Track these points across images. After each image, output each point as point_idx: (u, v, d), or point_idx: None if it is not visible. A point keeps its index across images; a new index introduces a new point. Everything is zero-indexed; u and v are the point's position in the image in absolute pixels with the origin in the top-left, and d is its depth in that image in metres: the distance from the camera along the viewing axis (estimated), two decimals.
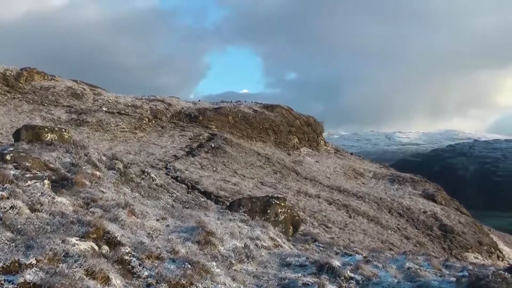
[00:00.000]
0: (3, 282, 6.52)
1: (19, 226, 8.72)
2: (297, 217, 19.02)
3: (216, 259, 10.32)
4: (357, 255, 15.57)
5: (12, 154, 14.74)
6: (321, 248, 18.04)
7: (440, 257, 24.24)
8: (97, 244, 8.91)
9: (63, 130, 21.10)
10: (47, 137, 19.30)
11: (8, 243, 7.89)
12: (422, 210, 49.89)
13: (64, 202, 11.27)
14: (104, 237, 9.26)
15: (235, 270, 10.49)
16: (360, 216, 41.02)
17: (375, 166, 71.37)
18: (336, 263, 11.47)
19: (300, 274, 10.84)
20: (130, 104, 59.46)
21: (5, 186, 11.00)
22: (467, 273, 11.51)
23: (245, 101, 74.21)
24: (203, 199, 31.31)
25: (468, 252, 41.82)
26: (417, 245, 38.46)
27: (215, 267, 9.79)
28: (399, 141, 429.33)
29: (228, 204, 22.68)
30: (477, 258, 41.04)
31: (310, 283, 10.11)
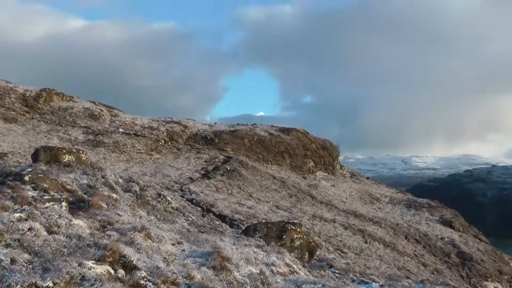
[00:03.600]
0: None
1: (36, 248, 8.80)
2: (313, 243, 18.91)
3: (231, 285, 10.27)
4: (373, 283, 15.43)
5: (30, 175, 14.92)
6: (337, 275, 17.90)
7: (459, 286, 23.92)
8: (113, 268, 8.91)
9: (81, 151, 21.42)
10: (64, 159, 19.55)
11: (25, 265, 7.98)
12: (440, 236, 49.25)
13: (81, 224, 11.34)
14: (120, 261, 9.26)
15: None
16: (376, 242, 40.61)
17: (391, 191, 70.72)
18: None
19: None
20: (146, 126, 59.76)
21: (23, 207, 11.15)
22: None
23: (261, 124, 74.51)
24: (218, 223, 31.18)
25: (487, 281, 41.02)
26: (435, 272, 37.95)
27: None
28: (415, 166, 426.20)
29: (243, 228, 22.84)
30: None
31: None
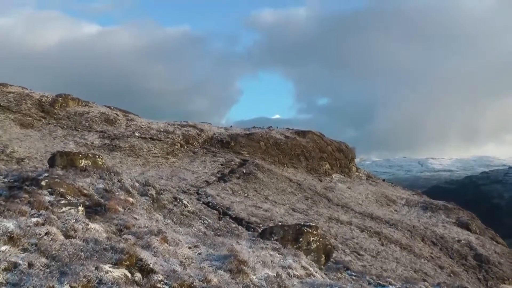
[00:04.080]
0: None
1: (53, 252, 8.85)
2: (329, 246, 18.81)
3: None
4: (390, 285, 15.32)
5: (47, 180, 14.98)
6: (354, 277, 17.80)
7: None
8: (130, 272, 8.94)
9: (97, 156, 21.45)
10: (81, 163, 19.64)
11: (43, 269, 8.02)
12: (456, 239, 48.90)
13: (97, 228, 11.38)
14: (137, 265, 9.29)
15: None
16: (393, 244, 40.47)
17: (407, 193, 70.42)
18: None
19: None
20: (162, 130, 60.11)
21: (40, 212, 11.23)
22: None
23: (277, 127, 74.62)
24: (234, 225, 31.25)
25: (505, 283, 40.52)
26: (451, 275, 37.71)
27: None
28: (431, 168, 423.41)
29: (259, 231, 22.81)
30: None
31: None
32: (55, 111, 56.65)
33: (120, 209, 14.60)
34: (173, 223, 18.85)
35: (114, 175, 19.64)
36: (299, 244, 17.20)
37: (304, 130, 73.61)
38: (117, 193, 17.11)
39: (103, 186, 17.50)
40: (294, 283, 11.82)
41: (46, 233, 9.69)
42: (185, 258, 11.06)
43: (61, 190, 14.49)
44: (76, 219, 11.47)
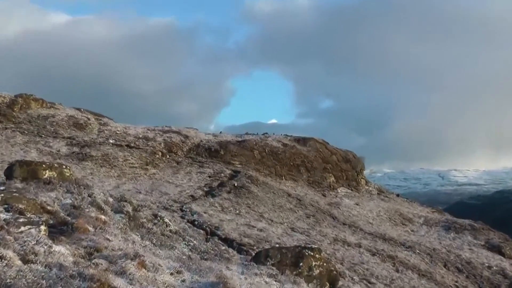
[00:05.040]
0: None
1: (8, 281, 8.70)
2: (334, 272, 18.79)
3: None
4: None
5: (3, 195, 14.85)
6: None
7: None
8: None
9: (64, 166, 21.51)
10: (44, 175, 19.58)
11: None
12: (486, 264, 48.36)
13: (62, 251, 11.29)
14: None
15: None
16: (409, 270, 40.12)
17: (426, 210, 70.26)
18: None
19: None
20: (141, 136, 60.26)
21: None
22: None
23: (273, 133, 74.87)
24: (223, 248, 30.94)
25: None
26: None
27: None
28: (454, 181, 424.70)
29: (253, 254, 22.66)
30: None
31: None
32: (14, 114, 56.30)
33: (91, 228, 14.59)
34: (152, 245, 18.55)
35: (84, 188, 19.71)
36: (299, 270, 17.15)
37: (305, 137, 74.14)
38: (87, 210, 17.10)
39: (70, 201, 17.51)
40: None
41: (0, 258, 9.60)
42: (166, 286, 11.02)
43: (20, 206, 14.38)
44: (37, 241, 11.35)
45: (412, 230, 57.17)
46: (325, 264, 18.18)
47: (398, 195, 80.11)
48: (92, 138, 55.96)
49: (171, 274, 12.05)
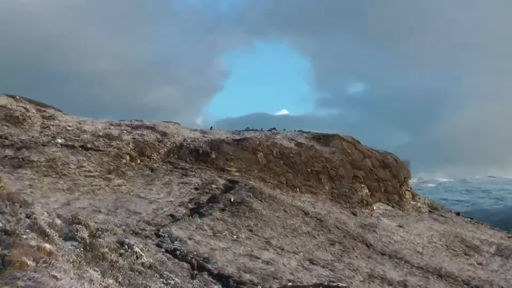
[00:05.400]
0: None
1: None
2: None
3: None
4: None
5: None
6: None
7: None
8: None
9: None
10: None
11: None
12: None
13: None
14: None
15: None
16: None
17: (499, 235, 64.99)
18: None
19: None
20: (101, 134, 55.14)
21: None
22: None
23: (284, 129, 69.43)
24: None
25: None
26: None
27: None
28: None
29: None
30: None
31: None
32: None
33: (30, 262, 12.50)
34: (117, 284, 15.78)
35: (20, 207, 17.49)
36: None
37: (327, 133, 68.81)
38: (24, 237, 14.79)
39: (1, 225, 15.26)
40: None
41: None
42: None
43: None
44: None
45: (480, 263, 51.29)
46: None
47: (458, 214, 74.78)
48: (33, 137, 50.47)
49: None
